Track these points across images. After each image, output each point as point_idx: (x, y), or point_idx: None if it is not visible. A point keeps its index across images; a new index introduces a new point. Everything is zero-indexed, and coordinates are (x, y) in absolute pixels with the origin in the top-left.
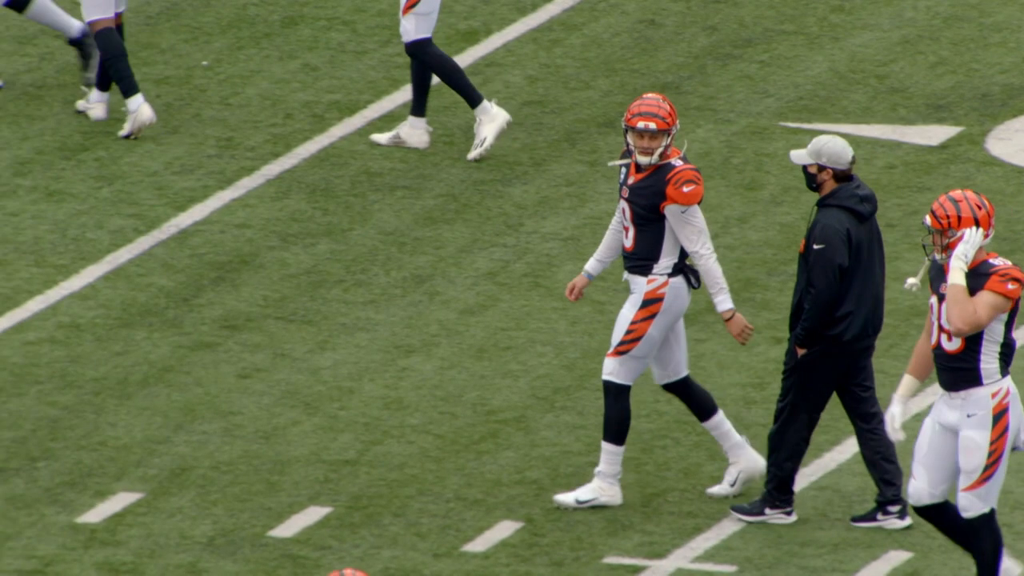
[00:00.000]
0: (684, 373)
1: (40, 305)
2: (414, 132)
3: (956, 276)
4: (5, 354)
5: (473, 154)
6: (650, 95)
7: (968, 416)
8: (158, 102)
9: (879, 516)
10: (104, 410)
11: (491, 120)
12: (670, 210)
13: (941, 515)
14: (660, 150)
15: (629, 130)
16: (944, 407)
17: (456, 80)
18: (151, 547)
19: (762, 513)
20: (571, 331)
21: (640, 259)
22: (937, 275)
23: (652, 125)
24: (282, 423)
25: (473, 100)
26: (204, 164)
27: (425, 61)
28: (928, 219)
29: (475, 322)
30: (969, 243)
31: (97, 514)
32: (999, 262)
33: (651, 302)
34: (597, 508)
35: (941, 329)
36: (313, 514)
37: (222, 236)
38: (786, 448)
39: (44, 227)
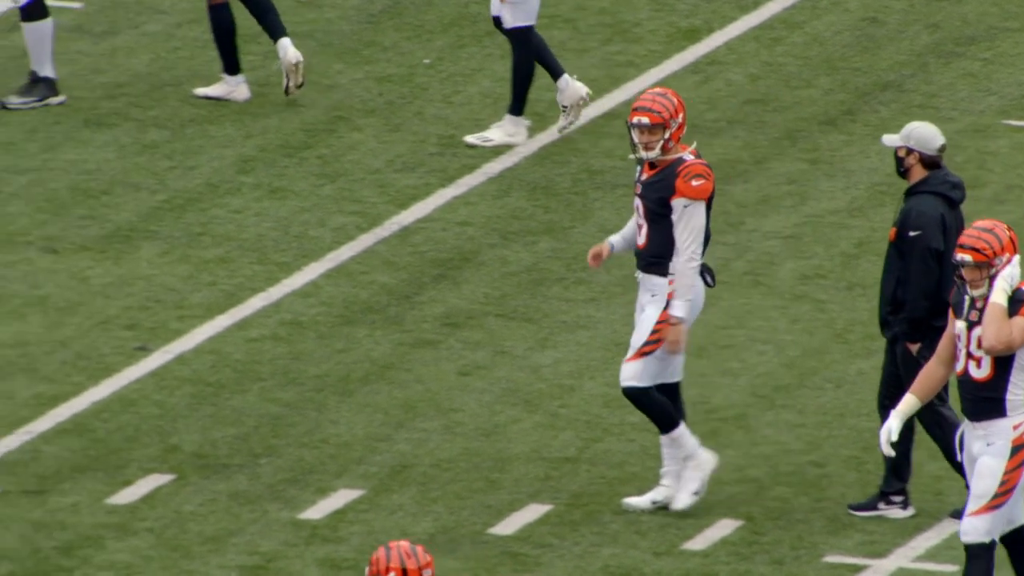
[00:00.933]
0: (679, 378)
1: (263, 302)
2: (516, 128)
3: (999, 296)
4: (228, 351)
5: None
6: (654, 89)
7: (988, 444)
8: (380, 100)
9: (881, 505)
10: (326, 407)
11: (572, 93)
12: (676, 203)
13: (1012, 546)
14: (660, 144)
15: (629, 126)
16: (969, 437)
17: (547, 61)
18: (372, 544)
19: (876, 508)
20: (791, 329)
21: (653, 256)
22: (965, 307)
23: (644, 120)
24: (502, 420)
25: (556, 74)
26: (426, 162)
27: (525, 50)
28: (969, 256)
29: (695, 320)
30: (1016, 267)
31: (318, 511)
32: None
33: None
34: (817, 508)
35: (970, 356)
36: (533, 511)
37: (443, 234)
38: (903, 442)
39: (267, 224)
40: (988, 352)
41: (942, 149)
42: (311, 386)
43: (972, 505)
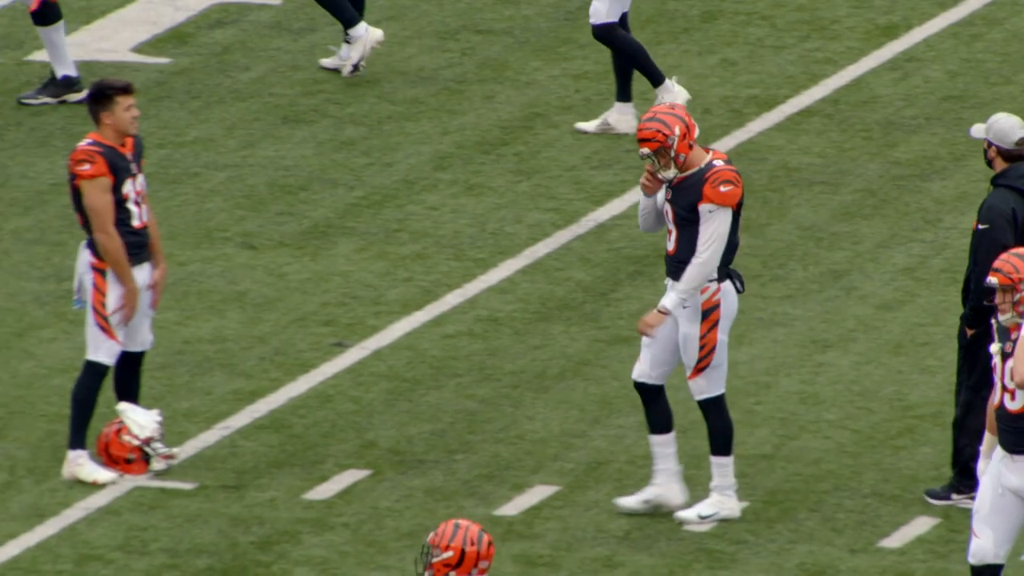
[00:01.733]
0: (663, 382)
1: (459, 299)
2: (622, 118)
3: None
4: (424, 347)
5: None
6: (655, 108)
7: None
8: (577, 96)
9: (953, 496)
10: (521, 403)
11: (673, 98)
12: (702, 208)
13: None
14: (672, 161)
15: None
16: (1005, 470)
17: (642, 62)
18: (568, 540)
19: (948, 498)
20: None
21: (682, 262)
22: (1001, 335)
23: (645, 150)
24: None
25: (656, 80)
26: (622, 159)
27: (612, 44)
28: (995, 278)
29: (892, 317)
30: None
31: (514, 507)
32: None
33: (710, 311)
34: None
35: (1004, 389)
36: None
37: (639, 231)
38: (967, 432)
39: (463, 221)
40: (1020, 387)
41: (1020, 143)
42: (507, 382)
43: None
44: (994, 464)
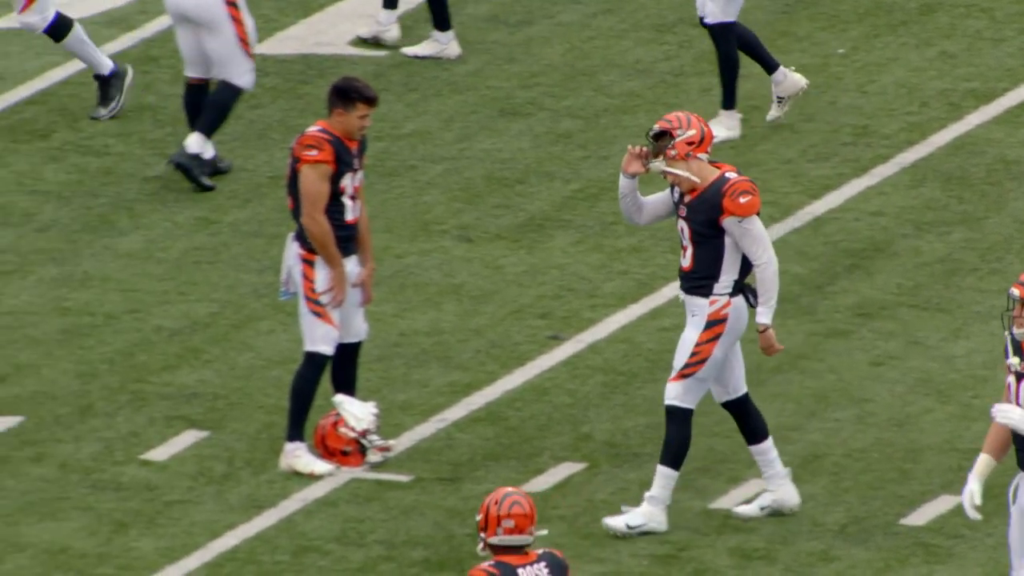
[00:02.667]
0: (744, 391)
1: (674, 291)
2: (731, 123)
3: None
4: (640, 340)
5: (772, 115)
6: (670, 113)
7: None
8: None
9: None
10: None
11: (788, 87)
12: (728, 223)
13: None
14: (665, 155)
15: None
16: None
17: (755, 50)
18: (783, 533)
19: None
20: None
21: (700, 278)
22: (1016, 349)
23: (653, 128)
24: (915, 411)
25: (771, 67)
26: (839, 152)
27: (727, 45)
28: (1017, 291)
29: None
30: None
31: (730, 500)
32: None
33: (715, 323)
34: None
35: (1020, 404)
36: (945, 502)
37: (856, 224)
38: None
39: None
40: None
41: None
42: None
43: None
44: (1020, 493)
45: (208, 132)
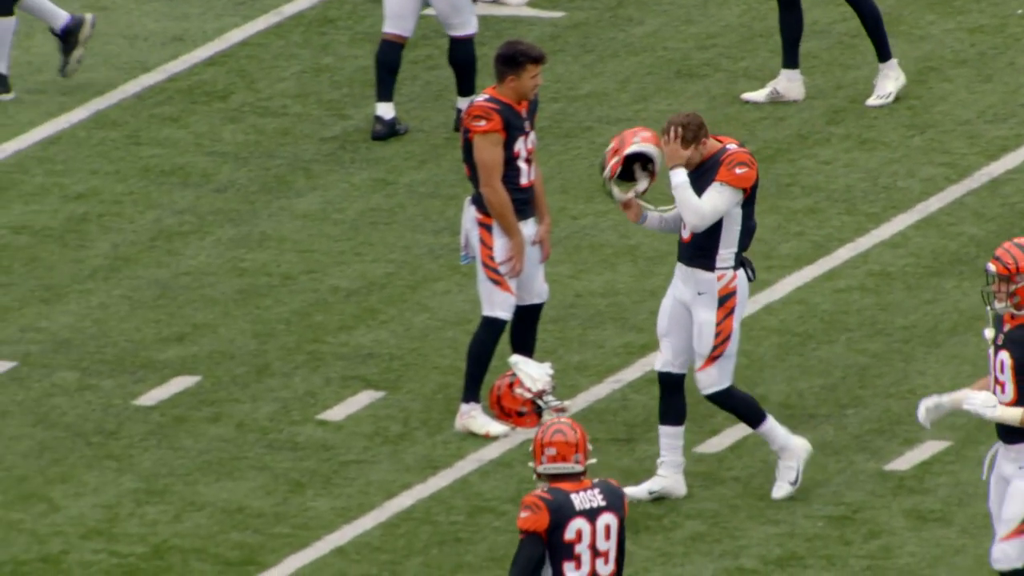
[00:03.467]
0: (685, 371)
1: (850, 253)
2: (791, 85)
3: None
4: (816, 301)
5: (873, 101)
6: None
7: (1020, 467)
8: (972, 50)
9: None
10: (913, 358)
11: (895, 78)
12: (712, 185)
13: None
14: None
15: None
16: (1001, 459)
17: (881, 32)
18: (959, 495)
19: None
20: None
21: (699, 249)
22: (995, 323)
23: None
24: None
25: (884, 55)
26: (1017, 113)
27: (858, 4)
28: (993, 266)
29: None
30: None
31: (905, 462)
32: None
33: (727, 298)
34: None
35: (996, 381)
36: None
37: None
38: None
39: (856, 175)
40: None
41: None
42: (898, 337)
43: (1001, 530)
44: (996, 461)
45: (466, 93)
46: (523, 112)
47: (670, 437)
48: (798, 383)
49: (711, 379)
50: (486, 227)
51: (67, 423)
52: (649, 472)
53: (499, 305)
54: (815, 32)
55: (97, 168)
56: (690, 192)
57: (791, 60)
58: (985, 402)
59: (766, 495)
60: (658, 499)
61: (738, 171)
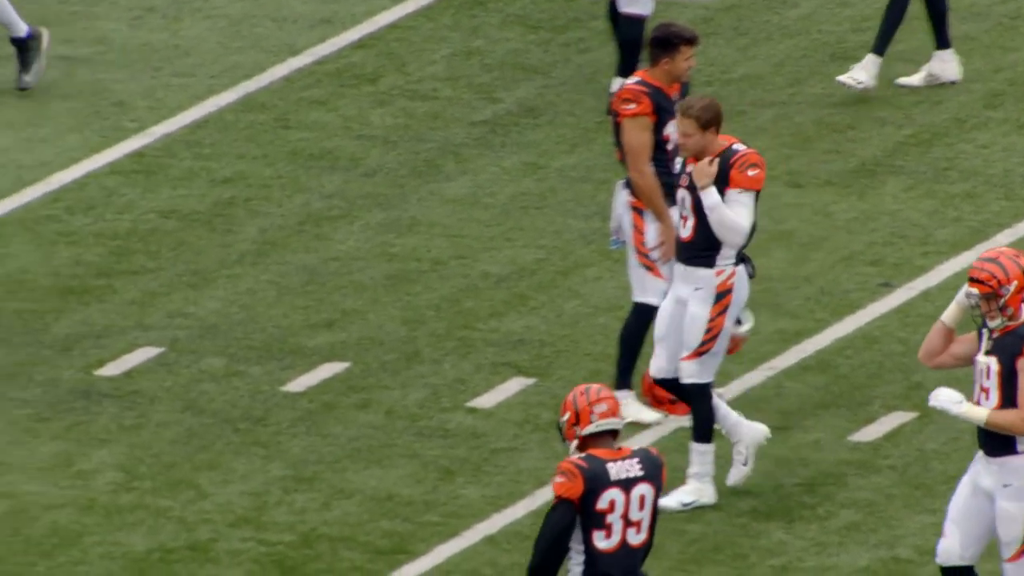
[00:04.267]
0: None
1: (1008, 238)
2: (946, 66)
3: None
4: None
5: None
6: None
7: (1004, 486)
8: None
9: None
10: None
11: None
12: (730, 192)
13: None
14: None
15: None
16: (982, 469)
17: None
18: None
19: None
20: None
21: (701, 249)
22: (984, 336)
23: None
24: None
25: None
26: None
27: None
28: (976, 290)
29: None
30: None
31: None
32: None
33: (723, 295)
34: None
35: (981, 388)
36: None
37: None
38: None
39: (1015, 159)
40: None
41: None
42: None
43: (1005, 552)
44: (973, 465)
45: (626, 73)
46: (674, 95)
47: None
48: (955, 371)
49: (691, 371)
50: (638, 211)
51: (215, 410)
52: (804, 461)
53: (650, 291)
54: (973, 14)
55: (245, 152)
56: (726, 211)
57: (942, 40)
58: (950, 398)
59: (923, 484)
60: (809, 488)
61: (751, 173)
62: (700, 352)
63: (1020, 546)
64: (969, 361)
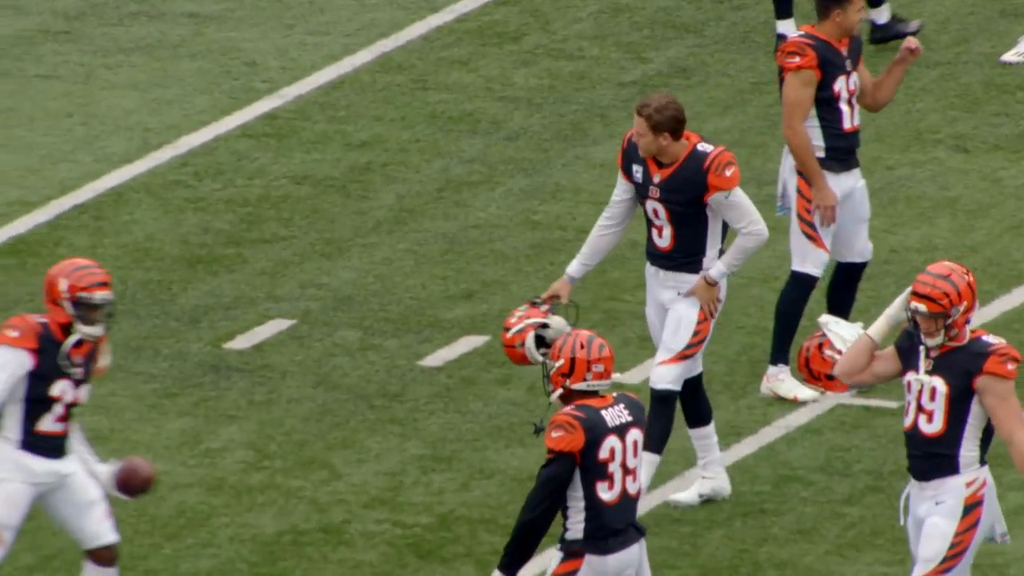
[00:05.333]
0: (699, 370)
1: None
2: None
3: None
4: None
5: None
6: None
7: (937, 503)
8: None
9: None
10: None
11: None
12: (714, 199)
13: None
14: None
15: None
16: (915, 499)
17: None
18: None
19: None
20: None
21: (684, 256)
22: (921, 354)
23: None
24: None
25: None
26: None
27: None
28: (923, 306)
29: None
30: None
31: None
32: (994, 340)
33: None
34: None
35: (920, 410)
36: None
37: None
38: None
39: None
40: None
41: None
42: None
43: (919, 569)
44: (909, 500)
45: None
46: (843, 51)
47: (701, 439)
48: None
49: (670, 376)
50: (805, 177)
51: (349, 385)
52: None
53: (811, 261)
54: None
55: (382, 114)
56: (739, 253)
57: None
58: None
59: None
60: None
61: (728, 173)
62: (684, 356)
63: (938, 565)
64: (888, 379)
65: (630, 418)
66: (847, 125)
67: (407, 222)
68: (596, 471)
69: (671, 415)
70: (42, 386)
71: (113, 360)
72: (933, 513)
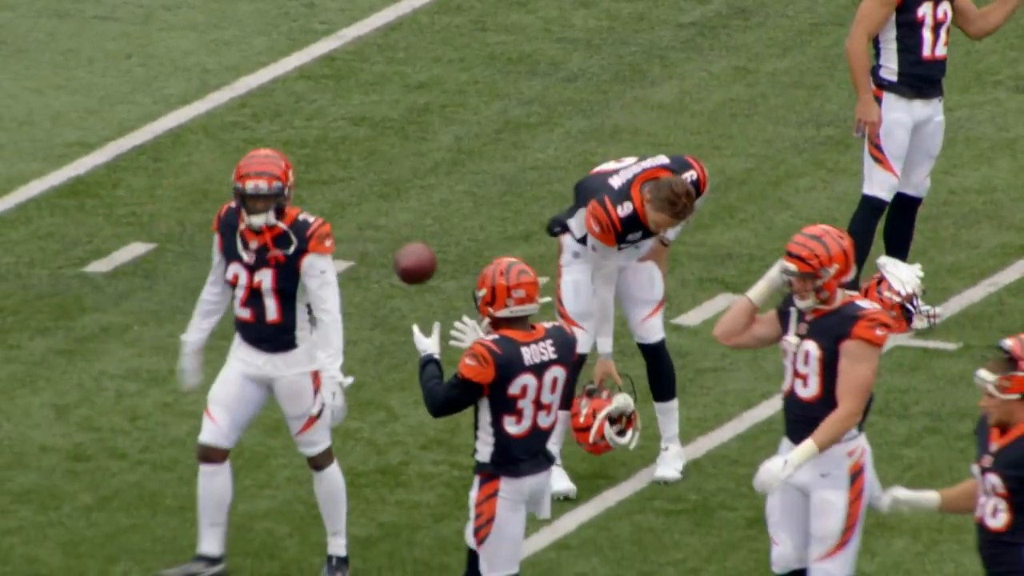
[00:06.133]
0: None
1: None
2: None
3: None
4: None
5: None
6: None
7: (822, 476)
8: None
9: None
10: None
11: None
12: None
13: None
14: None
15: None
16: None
17: None
18: None
19: None
20: None
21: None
22: (798, 320)
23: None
24: None
25: None
26: None
27: None
28: (794, 266)
29: None
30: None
31: None
32: (867, 304)
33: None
34: None
35: (797, 374)
36: None
37: None
38: None
39: None
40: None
41: None
42: None
43: (818, 549)
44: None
45: None
46: None
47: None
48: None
49: (659, 326)
50: (877, 100)
51: (406, 327)
52: None
53: (878, 184)
54: None
55: (440, 56)
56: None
57: None
58: (772, 475)
59: None
60: None
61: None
62: (655, 311)
63: (838, 540)
64: (769, 343)
65: (554, 356)
66: (926, 53)
67: (465, 164)
68: (504, 405)
69: (669, 359)
70: None
71: (171, 301)
72: (819, 487)
